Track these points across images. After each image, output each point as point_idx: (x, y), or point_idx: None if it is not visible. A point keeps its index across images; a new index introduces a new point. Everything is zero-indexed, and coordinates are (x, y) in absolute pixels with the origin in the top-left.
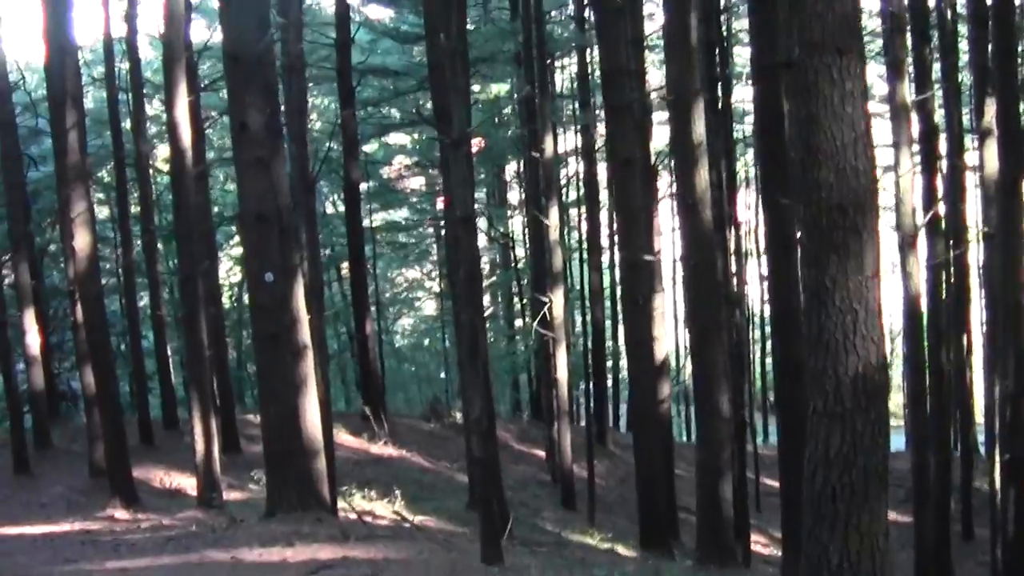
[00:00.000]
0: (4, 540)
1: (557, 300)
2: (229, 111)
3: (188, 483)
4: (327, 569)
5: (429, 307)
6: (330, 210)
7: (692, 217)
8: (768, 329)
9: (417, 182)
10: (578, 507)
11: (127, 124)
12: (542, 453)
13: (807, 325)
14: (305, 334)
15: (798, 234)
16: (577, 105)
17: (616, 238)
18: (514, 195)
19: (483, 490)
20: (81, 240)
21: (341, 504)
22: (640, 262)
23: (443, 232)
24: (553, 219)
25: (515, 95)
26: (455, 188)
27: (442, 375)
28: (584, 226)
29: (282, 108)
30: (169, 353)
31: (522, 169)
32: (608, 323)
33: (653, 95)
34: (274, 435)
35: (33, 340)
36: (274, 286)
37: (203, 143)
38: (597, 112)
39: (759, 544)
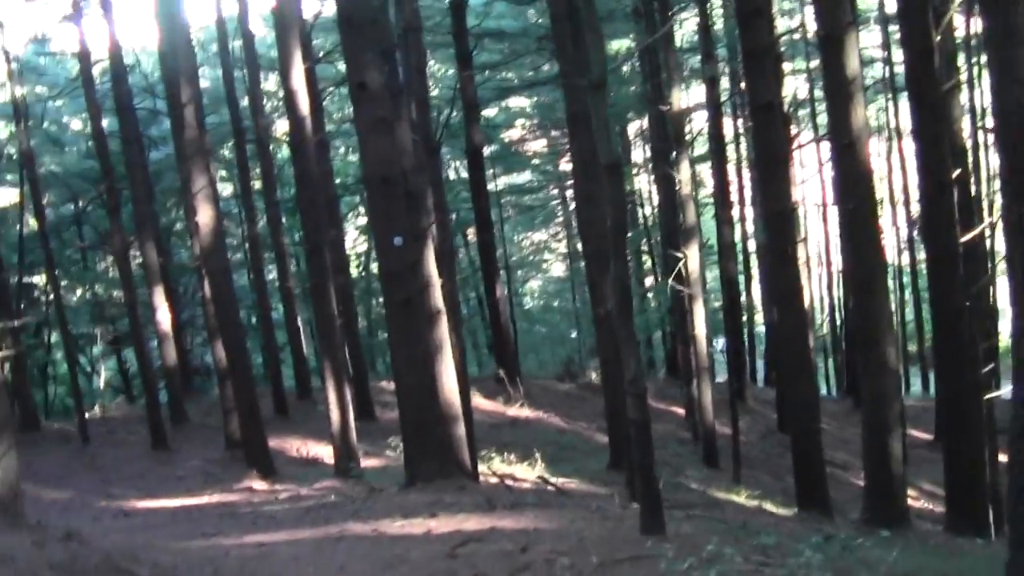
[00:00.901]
0: (143, 514)
1: (692, 255)
2: (347, 74)
3: (324, 452)
4: (475, 542)
5: (557, 269)
6: (452, 176)
7: (848, 158)
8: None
9: (539, 145)
10: (721, 464)
11: (244, 101)
12: (680, 411)
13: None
14: (438, 298)
15: None
16: (698, 59)
17: (744, 192)
18: (637, 153)
19: (640, 455)
20: (204, 215)
21: (481, 468)
22: (785, 210)
23: (568, 193)
24: (684, 173)
25: (635, 50)
26: (597, 134)
27: (572, 335)
28: (711, 181)
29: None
30: (299, 324)
31: (646, 126)
32: (741, 278)
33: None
34: (411, 403)
35: (164, 317)
36: (403, 250)
37: (321, 114)
38: (720, 64)
39: (909, 498)
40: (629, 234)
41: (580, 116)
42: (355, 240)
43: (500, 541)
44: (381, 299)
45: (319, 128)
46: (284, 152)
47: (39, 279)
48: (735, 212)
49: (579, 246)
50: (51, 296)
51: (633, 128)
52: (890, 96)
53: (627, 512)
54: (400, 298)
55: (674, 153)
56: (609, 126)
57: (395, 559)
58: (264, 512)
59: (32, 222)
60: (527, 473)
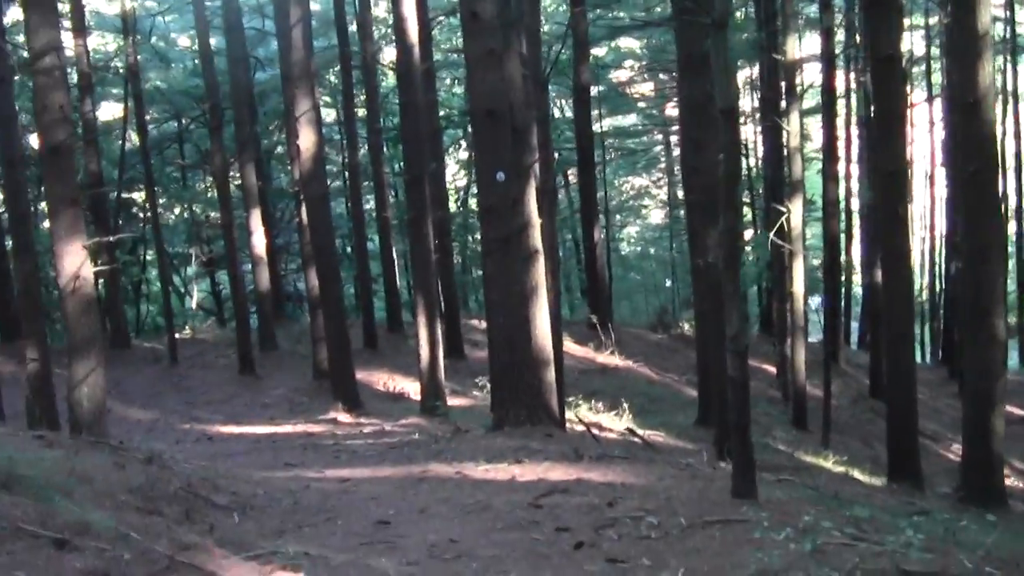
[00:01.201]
0: (227, 439)
1: (795, 210)
2: (459, 3)
3: (411, 387)
4: (560, 493)
5: (655, 216)
6: (557, 114)
7: (971, 118)
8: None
9: (646, 88)
10: (809, 427)
11: (353, 27)
12: (771, 369)
13: None
14: (537, 238)
15: None
16: (813, 8)
17: (851, 149)
18: (744, 102)
19: (737, 416)
20: (306, 139)
21: (568, 415)
22: (899, 170)
23: (672, 139)
24: (794, 125)
25: None
26: (717, 76)
27: (667, 284)
28: (817, 135)
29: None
30: (394, 256)
31: (755, 75)
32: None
33: None
34: (502, 344)
35: (259, 241)
36: (505, 187)
37: (430, 43)
38: (836, 14)
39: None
40: None
41: (694, 58)
42: (455, 175)
43: (586, 493)
44: (478, 236)
45: (427, 57)
46: (389, 81)
47: (138, 196)
48: (840, 169)
49: (680, 194)
50: (149, 213)
51: (742, 76)
52: (1008, 57)
53: (717, 472)
54: (498, 235)
55: (784, 104)
56: (730, 68)
57: (477, 505)
58: (347, 446)
59: (134, 138)
60: (614, 423)
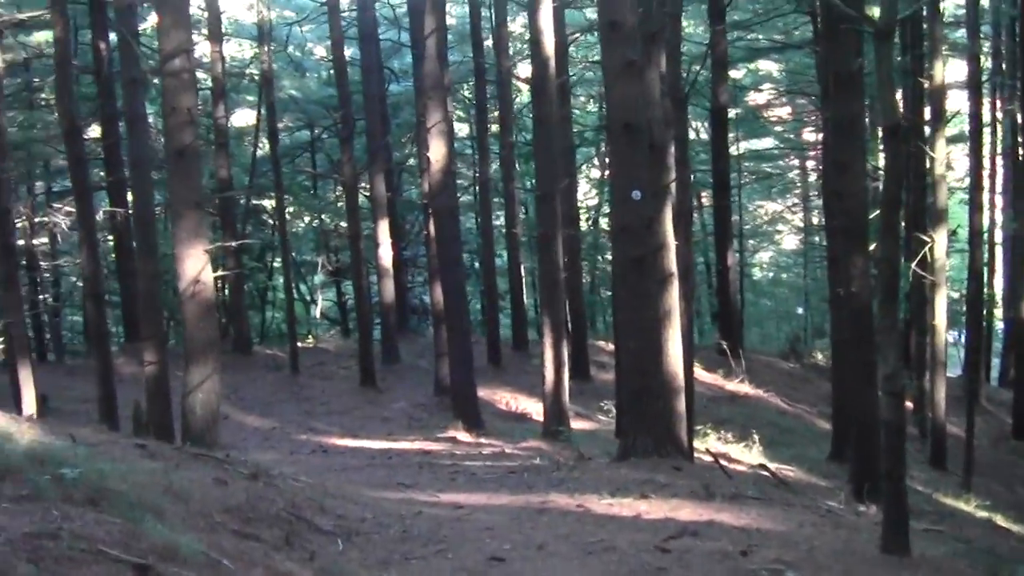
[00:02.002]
0: (342, 453)
1: (939, 240)
2: (598, 11)
3: (534, 408)
4: (690, 536)
5: (789, 242)
6: (692, 136)
7: None
8: None
9: (784, 111)
10: (948, 467)
11: (488, 42)
12: (907, 404)
13: None
14: (672, 261)
15: None
16: (958, 33)
17: (995, 179)
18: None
19: (891, 463)
20: (436, 151)
21: (696, 444)
22: None
23: (809, 164)
24: (939, 152)
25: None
26: (881, 90)
27: (799, 312)
28: (961, 163)
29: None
30: (522, 273)
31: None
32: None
33: None
34: (632, 370)
35: (386, 252)
36: (641, 205)
37: (565, 58)
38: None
39: None
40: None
41: (842, 76)
42: (586, 194)
43: (718, 538)
44: (608, 256)
45: (562, 71)
46: (523, 96)
47: (268, 203)
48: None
49: (816, 219)
50: (277, 221)
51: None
52: None
53: (861, 520)
54: (633, 256)
55: (928, 130)
56: (894, 83)
57: (599, 545)
58: (465, 467)
59: (266, 145)
60: (743, 455)
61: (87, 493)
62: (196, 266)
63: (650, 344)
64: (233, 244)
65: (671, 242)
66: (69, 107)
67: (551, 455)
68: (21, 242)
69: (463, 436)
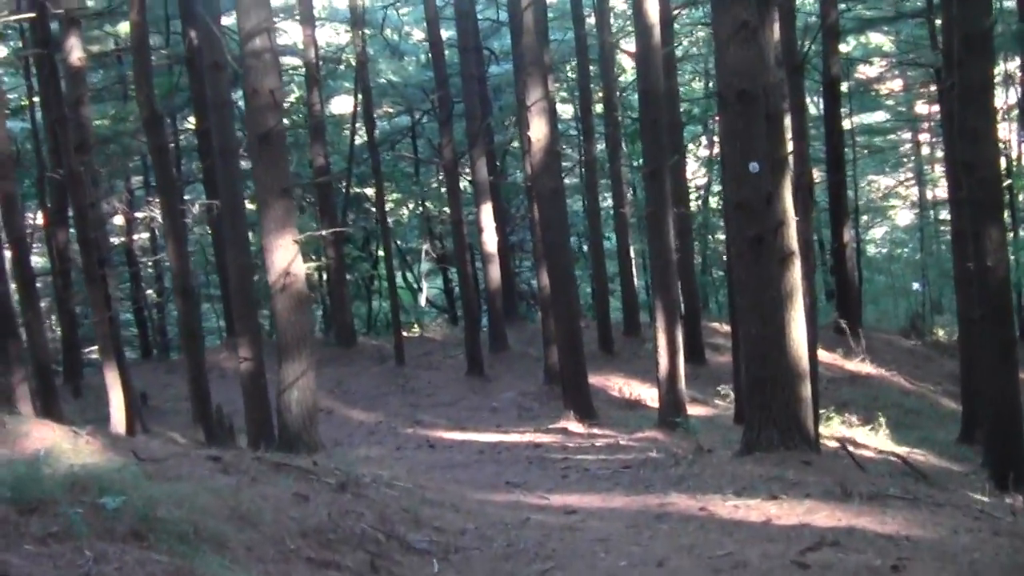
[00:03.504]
0: (449, 447)
1: None
2: None
3: (648, 394)
4: (829, 547)
5: (903, 217)
6: None
7: None
8: None
9: (895, 84)
10: None
11: (591, 19)
12: None
13: None
14: (793, 238)
15: None
16: None
17: None
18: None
19: None
20: (537, 130)
21: (819, 430)
22: None
23: (922, 137)
24: None
25: None
26: None
27: (915, 288)
28: None
29: None
30: (632, 255)
31: (1013, 68)
32: None
33: None
34: (755, 356)
35: (490, 238)
36: (759, 179)
37: (670, 29)
38: None
39: None
40: None
41: (972, 38)
42: (694, 172)
43: (862, 550)
44: (719, 236)
45: (668, 41)
46: (628, 76)
47: (370, 191)
48: None
49: (930, 194)
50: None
51: (998, 71)
52: None
53: (1020, 523)
54: (751, 234)
55: None
56: None
57: (727, 560)
58: (577, 462)
59: (364, 132)
60: (869, 439)
61: (131, 525)
62: (286, 257)
63: (772, 328)
64: (324, 233)
65: (791, 218)
66: (149, 95)
67: (668, 447)
68: (119, 239)
69: (575, 427)
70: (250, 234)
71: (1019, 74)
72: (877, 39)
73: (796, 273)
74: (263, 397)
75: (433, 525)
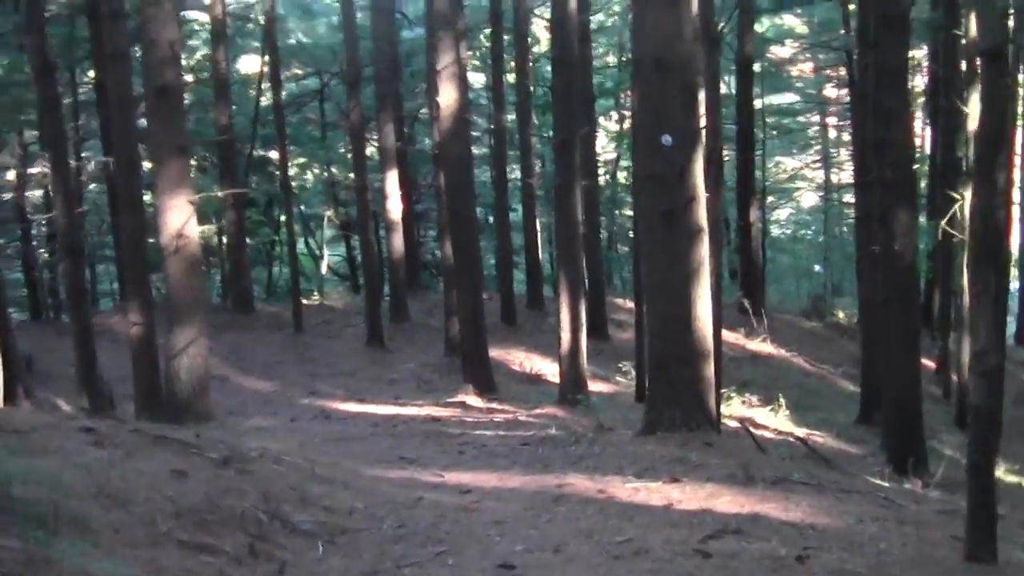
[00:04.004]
0: (346, 419)
1: (971, 198)
2: None
3: (549, 369)
4: (732, 535)
5: (807, 199)
6: None
7: None
8: None
9: (806, 67)
10: None
11: None
12: (930, 364)
13: None
14: (702, 215)
15: None
16: None
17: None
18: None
19: (978, 452)
20: (447, 96)
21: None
22: None
23: (830, 120)
24: (974, 108)
25: None
26: (981, 6)
27: (816, 269)
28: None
29: None
30: (538, 228)
31: (921, 55)
32: None
33: None
34: (661, 334)
35: (395, 205)
36: (672, 152)
37: (586, 8)
38: None
39: None
40: None
41: (891, 17)
42: (603, 147)
43: (766, 538)
44: (626, 211)
45: (583, 9)
46: (541, 46)
47: (275, 154)
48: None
49: (835, 177)
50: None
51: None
52: None
53: (925, 511)
54: (663, 208)
55: (965, 85)
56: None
57: (628, 547)
58: (475, 437)
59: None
60: (769, 419)
61: None
62: (180, 218)
63: (679, 306)
64: (221, 194)
65: (702, 194)
66: (41, 44)
67: (568, 424)
68: (8, 195)
69: (474, 401)
70: (149, 195)
71: (926, 63)
72: (791, 21)
73: (704, 250)
74: (153, 364)
75: (321, 504)
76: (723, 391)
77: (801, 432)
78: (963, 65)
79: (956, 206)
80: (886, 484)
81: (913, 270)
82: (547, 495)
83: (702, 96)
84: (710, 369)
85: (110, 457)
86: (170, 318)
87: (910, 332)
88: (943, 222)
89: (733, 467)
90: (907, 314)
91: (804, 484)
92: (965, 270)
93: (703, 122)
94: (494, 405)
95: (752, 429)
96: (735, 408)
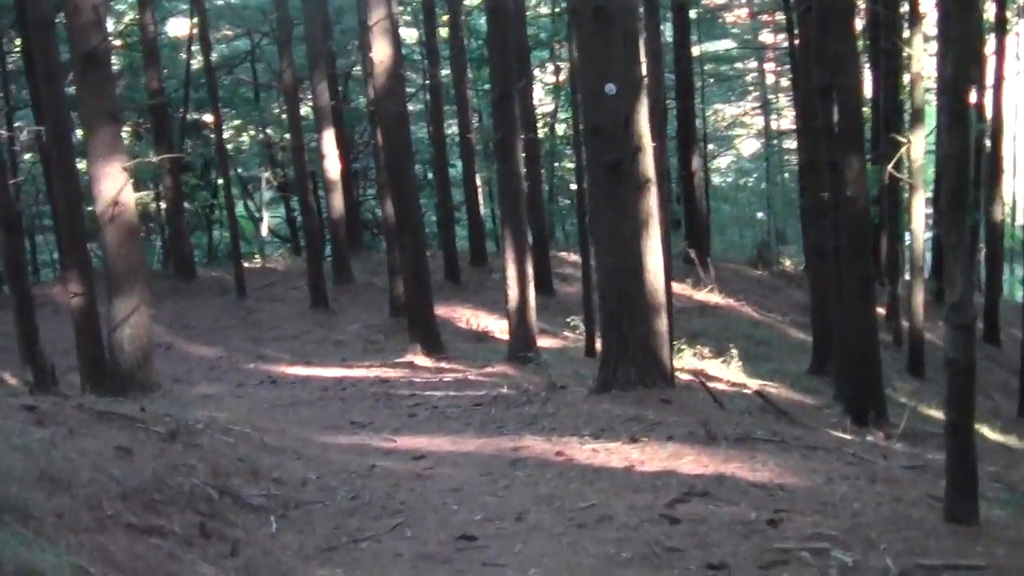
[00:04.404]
0: (294, 384)
1: (916, 141)
2: None
3: (496, 325)
4: (699, 497)
5: (748, 146)
6: None
7: None
8: None
9: (741, 12)
10: (927, 375)
11: None
12: (880, 311)
13: None
14: (649, 165)
15: None
16: None
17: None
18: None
19: (956, 412)
20: (380, 51)
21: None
22: None
23: (768, 67)
24: (916, 49)
25: None
26: None
27: (759, 216)
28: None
29: None
30: (478, 183)
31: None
32: None
33: None
34: (612, 289)
35: (332, 165)
36: (615, 101)
37: None
38: None
39: None
40: None
41: None
42: (541, 99)
43: (735, 501)
44: (566, 164)
45: None
46: None
47: (209, 117)
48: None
49: (775, 123)
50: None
51: None
52: None
53: (895, 468)
54: (609, 160)
55: (907, 27)
56: None
57: (592, 513)
58: (425, 398)
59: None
60: (721, 371)
61: None
62: (114, 186)
63: (630, 259)
64: (155, 159)
65: (648, 144)
66: None
67: (519, 383)
68: None
69: (422, 361)
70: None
71: (863, 4)
72: None
73: (652, 201)
74: (96, 335)
75: (272, 476)
76: (674, 344)
77: (754, 384)
78: (905, 5)
79: (903, 150)
80: (848, 437)
81: (866, 217)
82: (504, 459)
83: (641, 44)
84: (663, 323)
85: (52, 436)
86: (109, 288)
87: (865, 280)
88: (889, 166)
89: (692, 425)
90: (861, 263)
91: (767, 441)
92: (913, 214)
93: (644, 70)
94: (443, 364)
95: (706, 382)
96: (687, 360)
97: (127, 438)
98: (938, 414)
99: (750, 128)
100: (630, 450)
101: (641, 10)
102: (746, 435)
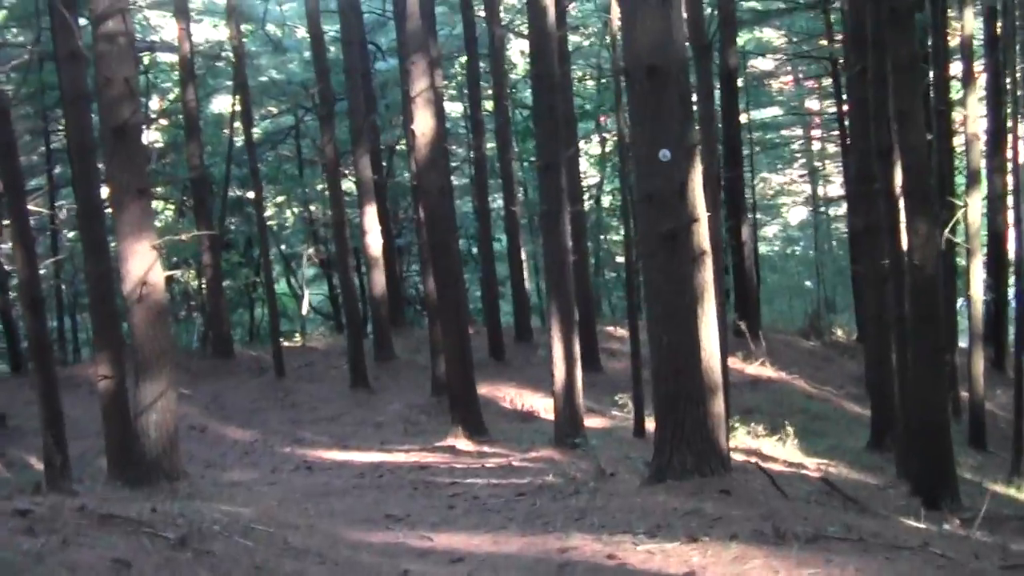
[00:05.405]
0: (329, 469)
1: (973, 204)
2: None
3: (541, 404)
4: None
5: (795, 214)
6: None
7: None
8: None
9: (786, 79)
10: (989, 447)
11: (481, 13)
12: None
13: None
14: (704, 236)
15: None
16: None
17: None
18: None
19: None
20: (422, 123)
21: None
22: None
23: (814, 133)
24: (972, 109)
25: None
26: None
27: (807, 285)
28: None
29: None
30: (523, 257)
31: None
32: None
33: None
34: (667, 369)
35: (374, 240)
36: (671, 168)
37: (564, 17)
38: None
39: None
40: None
41: (899, 11)
42: (585, 172)
43: None
44: (612, 236)
45: (562, 23)
46: (518, 70)
47: (252, 193)
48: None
49: (822, 190)
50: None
51: None
52: None
53: (987, 568)
54: (664, 230)
55: (962, 87)
56: None
57: None
58: (466, 487)
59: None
60: (777, 450)
61: None
62: (143, 265)
63: (686, 336)
64: (184, 237)
65: (703, 213)
66: None
67: (566, 470)
68: None
69: (463, 444)
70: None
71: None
72: (769, 33)
73: (708, 274)
74: (124, 419)
75: None
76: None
77: (812, 463)
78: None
79: (960, 213)
80: (923, 526)
81: (935, 283)
82: (550, 563)
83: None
84: (720, 405)
85: (41, 548)
86: (137, 371)
87: (936, 352)
88: (947, 231)
89: (757, 520)
90: (932, 332)
91: (842, 539)
92: (972, 278)
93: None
94: (485, 448)
95: (762, 464)
96: (740, 439)
97: (128, 547)
98: (1008, 491)
99: (797, 195)
100: (690, 552)
101: (693, 78)
102: (818, 533)
